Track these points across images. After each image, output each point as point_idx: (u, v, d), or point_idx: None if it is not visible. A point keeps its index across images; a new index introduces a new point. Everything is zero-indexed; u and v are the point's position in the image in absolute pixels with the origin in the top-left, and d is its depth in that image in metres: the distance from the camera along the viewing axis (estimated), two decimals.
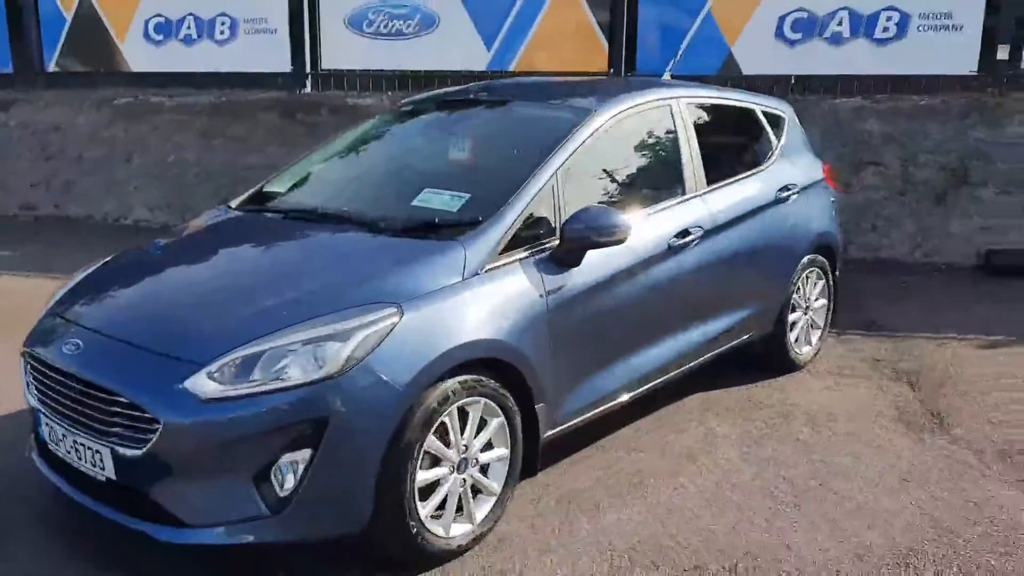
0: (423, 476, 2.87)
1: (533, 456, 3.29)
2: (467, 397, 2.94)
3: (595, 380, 3.52)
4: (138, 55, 9.02)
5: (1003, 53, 7.20)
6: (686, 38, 7.65)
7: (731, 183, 4.29)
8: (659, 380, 3.92)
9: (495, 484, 3.15)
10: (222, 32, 8.76)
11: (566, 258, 3.30)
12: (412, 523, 2.83)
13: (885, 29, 7.28)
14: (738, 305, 4.30)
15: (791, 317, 4.75)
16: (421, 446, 2.82)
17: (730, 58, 7.61)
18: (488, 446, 3.12)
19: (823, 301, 5.02)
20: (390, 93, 8.36)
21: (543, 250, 3.28)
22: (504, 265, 3.14)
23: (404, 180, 3.76)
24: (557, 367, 3.27)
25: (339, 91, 8.55)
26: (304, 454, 2.63)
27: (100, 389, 2.73)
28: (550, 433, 3.38)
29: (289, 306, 2.83)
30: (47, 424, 3.00)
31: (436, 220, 3.25)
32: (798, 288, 4.77)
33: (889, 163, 7.28)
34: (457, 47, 8.13)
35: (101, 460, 2.76)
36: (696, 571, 3.01)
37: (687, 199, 3.98)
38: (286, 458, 2.64)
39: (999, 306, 6.20)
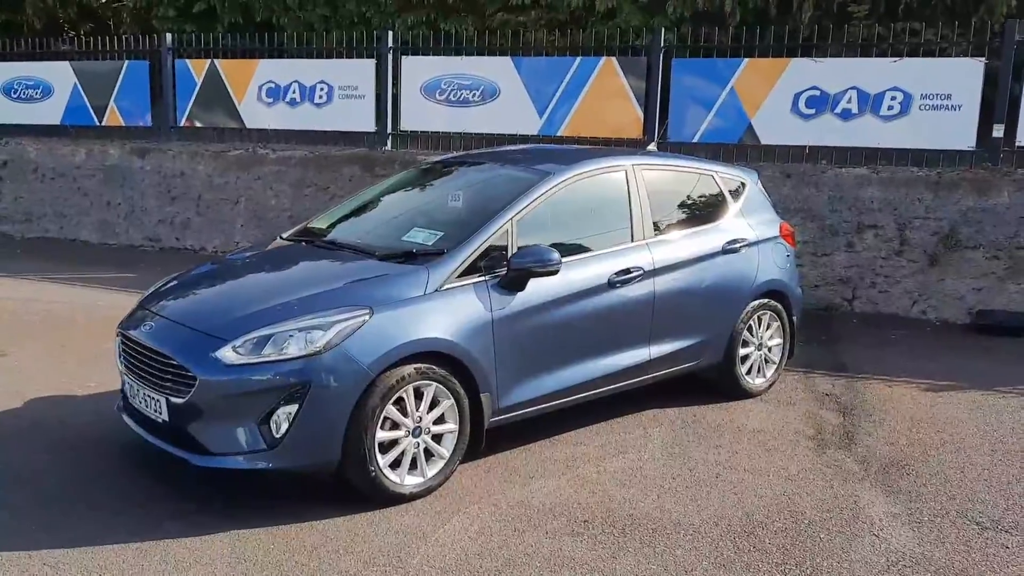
0: (383, 435, 3.97)
1: (479, 435, 4.33)
2: (420, 380, 4.05)
3: (535, 382, 4.55)
4: (252, 114, 10.63)
5: (999, 131, 7.88)
6: (711, 111, 8.64)
7: (679, 235, 5.27)
8: (599, 390, 4.92)
9: (445, 451, 4.22)
10: (320, 97, 10.28)
11: (512, 284, 4.38)
12: (371, 468, 3.93)
13: (890, 107, 8.09)
14: (681, 335, 5.25)
15: (742, 351, 5.65)
16: (381, 412, 3.93)
17: (750, 129, 8.55)
18: (441, 421, 4.19)
19: (778, 340, 5.89)
20: (455, 152, 9.63)
21: (495, 277, 4.36)
22: (460, 286, 4.25)
23: (403, 221, 4.92)
24: (500, 367, 4.34)
25: (413, 149, 9.90)
26: (293, 407, 3.78)
27: (160, 355, 3.99)
28: (496, 419, 4.43)
29: (297, 304, 4.02)
30: (128, 384, 4.27)
31: (414, 250, 4.41)
32: (749, 327, 5.67)
33: (887, 226, 8.02)
34: (514, 114, 9.36)
35: (159, 407, 3.99)
36: (585, 524, 3.98)
37: (632, 246, 5.00)
38: (282, 410, 3.80)
39: (971, 359, 6.88)
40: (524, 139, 9.33)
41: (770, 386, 5.92)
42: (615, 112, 9.05)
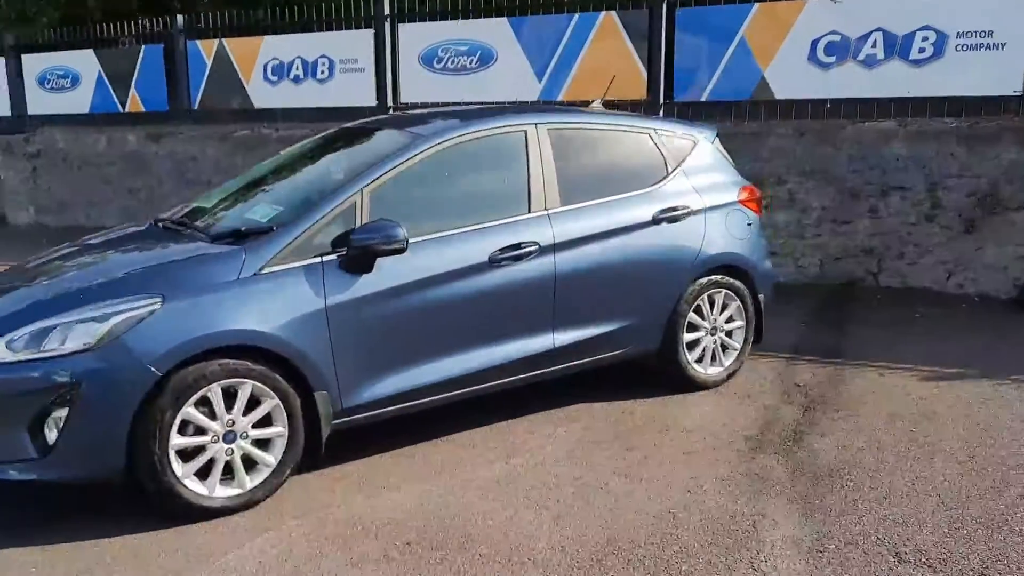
0: (182, 440, 3.47)
1: (317, 438, 3.77)
2: (229, 379, 3.51)
3: (394, 377, 3.95)
4: (259, 93, 10.32)
5: None
6: (720, 65, 7.72)
7: (594, 204, 4.53)
8: (486, 384, 4.27)
9: (271, 457, 3.68)
10: (322, 72, 9.86)
11: (355, 265, 3.78)
12: (167, 478, 3.43)
13: (921, 50, 6.99)
14: (597, 320, 4.53)
15: (688, 336, 4.88)
16: (175, 415, 3.41)
17: (762, 83, 7.58)
18: (267, 423, 3.65)
19: (739, 323, 5.07)
20: None
21: (335, 257, 3.77)
22: (285, 269, 3.69)
23: (263, 197, 4.38)
24: (341, 361, 3.76)
25: None
26: (64, 411, 3.32)
27: None
28: (342, 420, 3.86)
29: (90, 293, 3.55)
30: None
31: (243, 228, 3.86)
32: (698, 308, 4.88)
33: (915, 187, 6.94)
34: (512, 80, 8.67)
35: None
36: (407, 546, 3.37)
37: (527, 218, 4.31)
38: (53, 414, 3.34)
39: (1001, 341, 5.88)
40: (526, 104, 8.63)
41: (729, 376, 5.11)
42: (618, 71, 8.20)
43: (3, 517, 3.64)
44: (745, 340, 5.14)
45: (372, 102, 9.57)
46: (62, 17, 15.75)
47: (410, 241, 3.92)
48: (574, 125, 4.70)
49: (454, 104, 8.79)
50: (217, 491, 3.59)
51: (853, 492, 3.73)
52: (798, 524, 3.48)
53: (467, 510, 3.64)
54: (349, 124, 5.11)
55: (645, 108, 8.06)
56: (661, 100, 8.05)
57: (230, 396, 3.57)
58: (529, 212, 4.35)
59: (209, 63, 10.62)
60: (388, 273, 3.87)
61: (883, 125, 7.09)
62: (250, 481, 3.65)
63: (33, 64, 12.20)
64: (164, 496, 3.47)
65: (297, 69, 10.03)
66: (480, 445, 4.31)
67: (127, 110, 11.39)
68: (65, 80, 11.90)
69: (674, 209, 4.78)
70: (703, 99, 7.91)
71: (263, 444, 3.69)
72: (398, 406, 4.03)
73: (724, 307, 5.03)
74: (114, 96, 11.46)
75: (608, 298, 4.56)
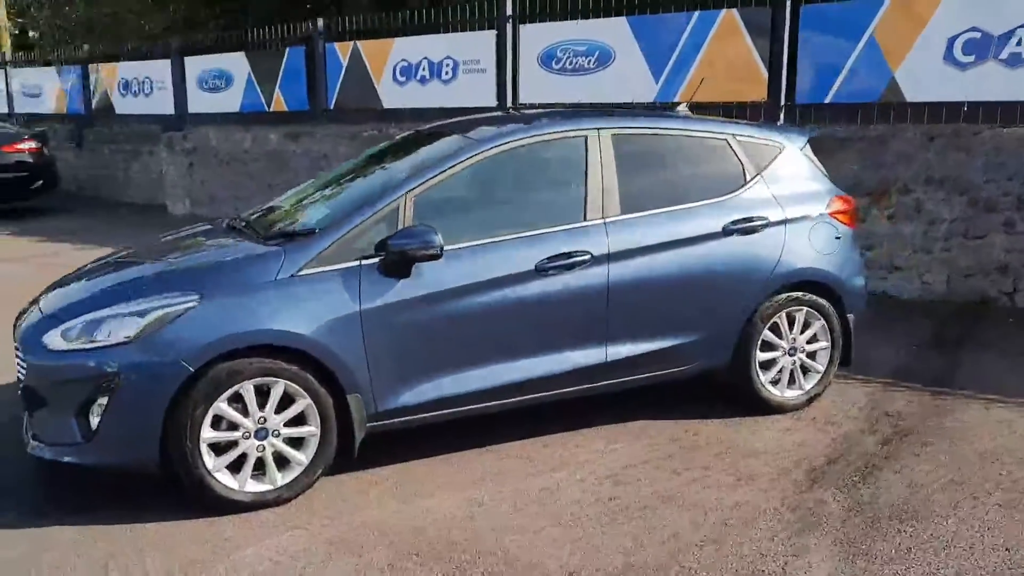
0: (214, 434, 3.58)
1: (350, 440, 3.80)
2: (262, 377, 3.59)
3: (431, 384, 3.92)
4: (388, 94, 10.59)
5: None
6: (846, 65, 7.24)
7: (659, 213, 4.33)
8: (531, 396, 4.17)
9: (302, 456, 3.74)
10: (447, 73, 9.99)
11: (392, 269, 3.78)
12: (198, 471, 3.55)
13: None
14: (657, 334, 4.34)
15: (762, 356, 4.59)
16: (207, 409, 3.52)
17: (892, 84, 7.04)
18: (300, 422, 3.71)
19: (822, 344, 4.73)
20: None
21: (375, 262, 3.79)
22: (323, 272, 3.73)
23: (325, 198, 4.44)
24: (375, 365, 3.77)
25: None
26: (105, 399, 3.49)
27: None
28: (377, 424, 3.88)
29: (140, 289, 3.73)
30: None
31: (293, 231, 3.94)
32: (775, 326, 4.59)
33: None
34: (629, 80, 8.48)
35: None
36: (415, 557, 3.34)
37: (581, 226, 4.17)
38: (97, 401, 3.52)
39: None
40: (641, 107, 8.41)
41: (810, 400, 4.77)
42: (737, 72, 7.88)
43: (54, 497, 3.87)
44: (830, 362, 4.77)
45: (493, 102, 9.60)
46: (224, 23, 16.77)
47: (454, 247, 3.90)
48: (641, 131, 4.51)
49: (572, 104, 8.73)
50: (248, 486, 3.68)
51: (910, 538, 3.39)
52: (834, 569, 3.19)
53: (493, 523, 3.57)
54: (424, 128, 5.11)
55: (765, 110, 7.69)
56: (782, 102, 7.64)
57: (263, 394, 3.65)
58: (584, 220, 4.21)
59: (344, 64, 10.99)
60: (427, 279, 3.84)
61: (1021, 130, 6.42)
62: (281, 478, 3.72)
63: (194, 66, 13.02)
64: (195, 487, 3.59)
65: (424, 70, 10.22)
66: (527, 457, 4.22)
67: (271, 110, 11.98)
68: (220, 81, 12.65)
69: (749, 220, 4.50)
70: (827, 101, 7.44)
71: (296, 443, 3.75)
72: (436, 412, 3.99)
73: (806, 326, 4.69)
74: (261, 96, 12.07)
75: (669, 312, 4.34)
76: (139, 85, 14.07)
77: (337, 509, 3.72)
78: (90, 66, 15.08)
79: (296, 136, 11.38)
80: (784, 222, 4.58)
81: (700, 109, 8.01)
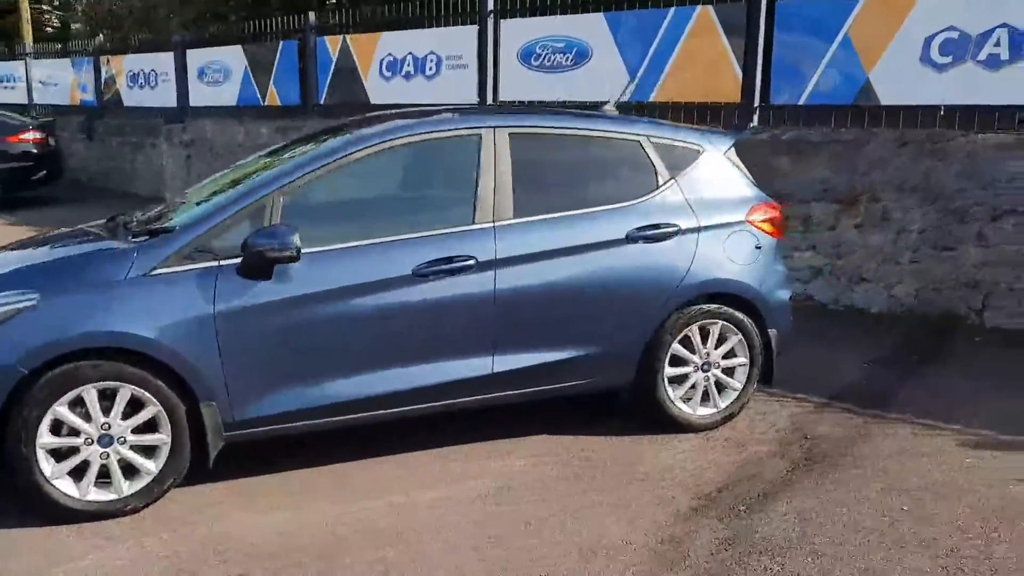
0: (53, 440, 3.44)
1: (203, 448, 3.63)
2: (105, 381, 3.44)
3: (296, 392, 3.74)
4: (375, 89, 10.44)
5: None
6: (820, 65, 6.89)
7: (556, 218, 4.09)
8: (409, 407, 3.97)
9: (152, 465, 3.58)
10: (430, 68, 9.81)
11: (251, 271, 3.60)
12: (34, 477, 3.40)
13: None
14: (550, 345, 4.11)
15: (671, 370, 4.33)
16: (43, 413, 3.38)
17: (867, 86, 6.67)
18: (151, 429, 3.55)
19: (740, 360, 4.44)
20: None
21: (235, 262, 3.60)
22: (176, 272, 3.56)
23: (204, 197, 4.26)
24: (232, 372, 3.60)
25: None
26: None
27: None
28: (236, 433, 3.70)
29: None
30: None
31: (157, 228, 3.77)
32: (686, 340, 4.32)
33: None
34: (605, 79, 8.20)
35: None
36: (261, 571, 3.16)
37: (469, 230, 3.95)
38: None
39: None
40: (618, 107, 8.14)
41: (725, 419, 4.49)
42: (711, 72, 7.57)
43: None
44: (748, 380, 4.49)
45: (473, 99, 9.39)
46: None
47: (323, 249, 3.72)
48: (543, 130, 4.27)
49: (549, 102, 8.50)
50: (91, 494, 3.53)
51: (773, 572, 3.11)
52: None
53: (332, 542, 3.38)
54: (331, 125, 4.92)
55: (738, 112, 7.37)
56: (756, 103, 7.31)
57: (111, 399, 3.49)
58: (473, 223, 3.98)
59: (334, 59, 10.89)
60: (291, 282, 3.65)
61: (1002, 138, 6.03)
62: (128, 487, 3.57)
63: (195, 59, 13.02)
64: (32, 494, 3.46)
65: (408, 65, 10.06)
66: (403, 471, 4.03)
67: (266, 103, 11.92)
68: (219, 74, 12.63)
69: (656, 227, 4.23)
70: (800, 103, 7.10)
71: (147, 451, 3.58)
72: (302, 423, 3.81)
73: (722, 341, 4.41)
74: (256, 90, 12.01)
75: (562, 323, 4.10)
76: (145, 77, 14.14)
77: (182, 520, 3.57)
78: (101, 58, 15.20)
79: (285, 131, 11.27)
80: (697, 229, 4.31)
81: (673, 110, 7.81)
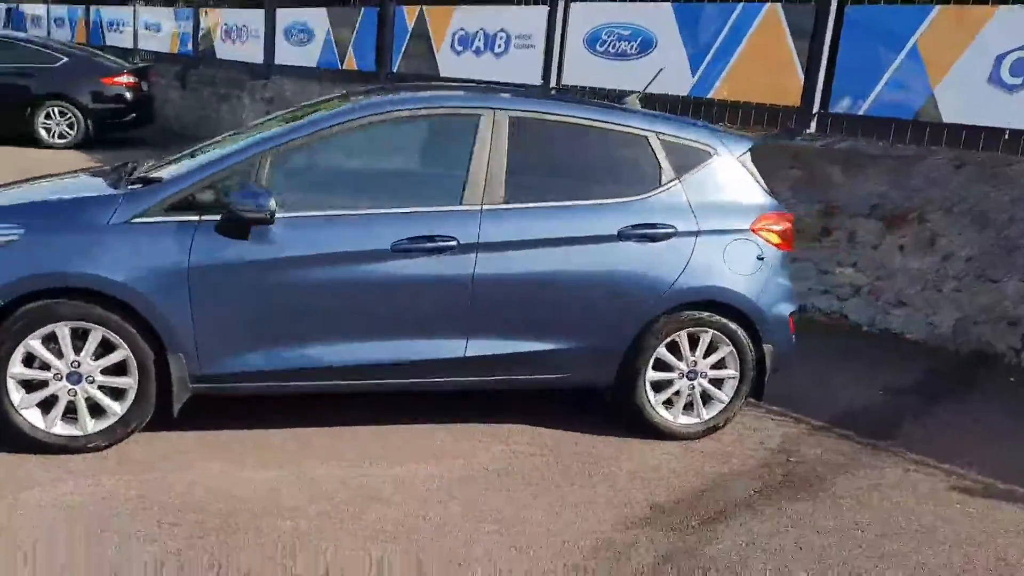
0: (23, 371, 3.60)
1: (168, 399, 3.71)
2: (78, 321, 3.57)
3: (266, 353, 3.80)
4: (446, 63, 10.45)
5: None
6: (884, 76, 6.58)
7: (542, 206, 4.03)
8: (379, 381, 4.00)
9: (117, 406, 3.70)
10: (499, 46, 9.76)
11: (229, 229, 3.66)
12: (5, 406, 3.57)
13: None
14: (526, 335, 4.06)
15: (655, 375, 4.23)
16: (15, 345, 3.54)
17: (930, 100, 6.34)
18: (121, 372, 3.66)
19: (731, 372, 4.30)
20: None
21: (215, 219, 3.67)
22: (157, 222, 3.65)
23: (205, 152, 4.30)
24: (202, 325, 3.67)
25: None
26: None
27: None
28: (203, 387, 3.79)
29: None
30: None
31: (147, 177, 3.86)
32: (673, 345, 4.21)
33: None
34: (668, 71, 7.99)
35: None
36: (175, 527, 3.23)
37: (455, 210, 3.92)
38: None
39: None
40: (675, 101, 7.97)
41: (708, 431, 4.37)
42: (772, 73, 7.30)
43: None
44: (736, 394, 4.34)
45: (538, 81, 9.31)
46: None
47: (305, 215, 3.76)
48: (547, 117, 4.19)
49: (609, 91, 8.37)
50: (56, 428, 3.67)
51: None
52: None
53: (282, 505, 3.42)
54: (354, 91, 4.93)
55: (796, 117, 7.11)
56: (815, 109, 7.02)
57: (83, 338, 3.60)
58: (461, 204, 3.95)
59: (410, 29, 10.93)
60: (268, 244, 3.70)
61: None
62: (92, 426, 3.70)
63: (283, 18, 13.26)
64: (0, 421, 3.59)
65: (479, 41, 10.02)
66: (363, 445, 4.04)
67: (343, 67, 12.06)
68: (303, 35, 12.83)
69: (651, 227, 4.12)
70: (860, 113, 6.80)
71: (114, 393, 3.70)
72: (270, 384, 3.88)
73: (712, 350, 4.28)
74: (336, 54, 12.17)
75: (543, 314, 4.04)
76: (237, 32, 14.48)
77: (141, 466, 3.68)
78: (201, 10, 15.62)
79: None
80: (696, 233, 4.18)
81: (731, 109, 7.58)
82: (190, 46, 16.04)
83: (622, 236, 4.09)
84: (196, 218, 3.67)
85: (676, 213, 4.18)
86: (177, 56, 16.57)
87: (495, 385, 4.16)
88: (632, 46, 8.38)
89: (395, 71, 11.21)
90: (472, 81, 9.75)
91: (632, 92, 8.12)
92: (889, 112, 6.64)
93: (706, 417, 4.34)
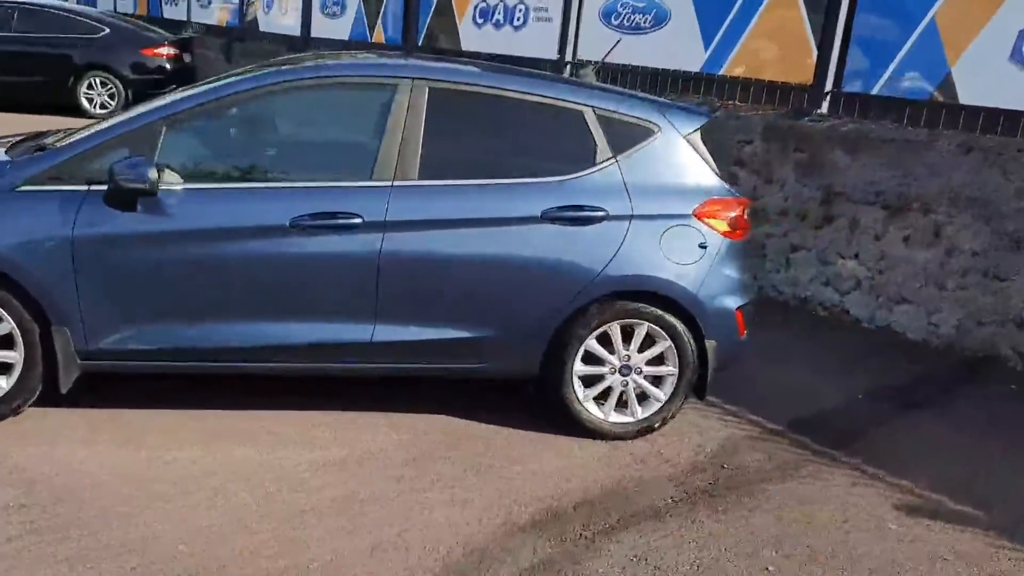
0: None
1: (54, 373, 3.58)
2: None
3: (159, 331, 3.65)
4: (468, 35, 10.16)
5: None
6: (899, 52, 6.06)
7: (460, 184, 3.77)
8: (280, 363, 3.83)
9: (3, 381, 3.58)
10: (519, 19, 9.43)
11: (113, 199, 3.49)
12: None
13: None
14: (439, 321, 3.80)
15: (584, 368, 3.94)
16: None
17: (947, 80, 5.81)
18: (6, 345, 3.55)
19: (669, 369, 3.98)
20: (622, 87, 8.18)
21: (101, 189, 3.50)
22: (41, 191, 3.51)
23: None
24: (88, 299, 3.53)
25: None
26: None
27: None
28: (92, 363, 3.66)
29: None
30: None
31: (41, 145, 3.72)
32: (604, 337, 3.91)
33: None
34: (680, 46, 7.59)
35: None
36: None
37: (359, 185, 3.70)
38: None
39: None
40: (687, 78, 7.57)
41: (641, 431, 4.06)
42: (785, 49, 6.83)
43: None
44: (675, 392, 4.01)
45: (554, 55, 8.96)
46: None
47: (198, 187, 3.58)
48: (471, 88, 3.90)
49: (621, 66, 8.02)
50: None
51: None
52: None
53: (144, 488, 3.27)
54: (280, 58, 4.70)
55: (808, 96, 6.64)
56: (828, 87, 6.54)
57: None
58: (371, 180, 3.70)
59: (435, 1, 10.66)
60: (157, 217, 3.54)
61: None
62: None
63: None
64: None
65: (499, 13, 9.71)
66: (243, 426, 3.85)
67: (372, 40, 11.87)
68: (337, 7, 12.70)
69: (578, 208, 3.81)
70: (874, 93, 6.29)
71: (2, 368, 3.58)
72: (161, 362, 3.72)
73: (650, 345, 3.96)
74: (366, 26, 12.00)
75: (457, 299, 3.79)
76: (278, 4, 14.43)
77: (35, 441, 3.54)
78: None
79: None
80: (629, 218, 3.85)
81: (742, 87, 7.13)
82: (236, 18, 16.09)
83: (545, 218, 3.79)
84: (84, 188, 3.52)
85: (609, 195, 3.86)
86: (224, 29, 16.66)
87: (409, 373, 3.94)
88: (646, 19, 7.97)
89: (420, 44, 10.99)
90: (489, 56, 9.47)
91: (644, 68, 7.83)
92: (904, 92, 6.13)
93: (640, 416, 4.03)
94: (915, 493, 3.77)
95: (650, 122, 3.99)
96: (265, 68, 4.02)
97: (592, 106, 3.95)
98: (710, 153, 4.23)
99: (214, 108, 3.68)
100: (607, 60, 5.41)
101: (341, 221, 3.62)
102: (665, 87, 7.86)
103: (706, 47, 7.45)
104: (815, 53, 6.63)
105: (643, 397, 4.03)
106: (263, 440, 3.73)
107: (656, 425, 4.06)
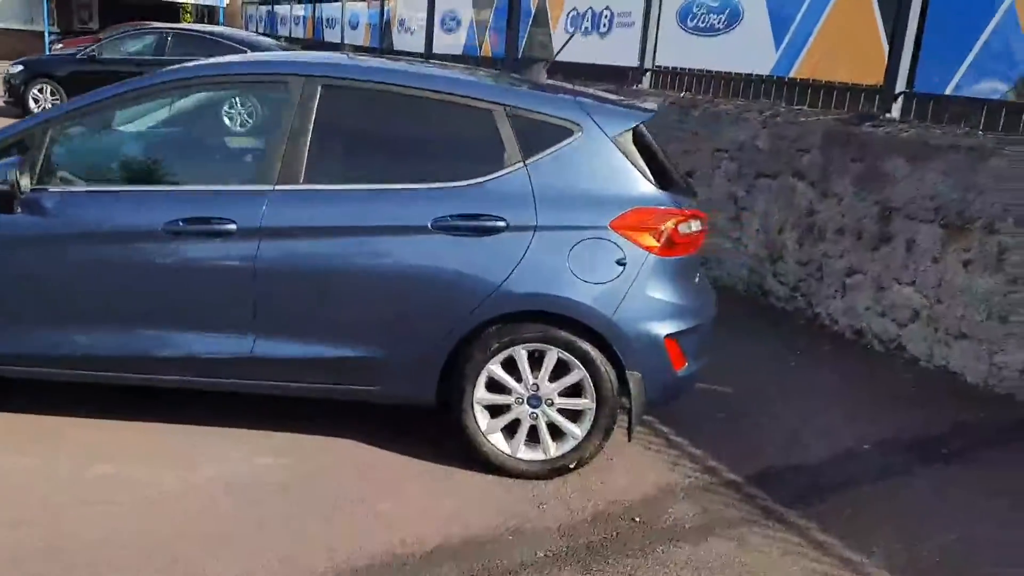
0: None
1: None
2: None
3: (30, 336, 3.59)
4: (559, 44, 9.82)
5: None
6: (974, 47, 5.18)
7: (344, 189, 3.48)
8: (146, 376, 3.67)
9: None
10: (604, 25, 8.99)
11: None
12: None
13: None
14: (317, 338, 3.51)
15: (489, 396, 3.53)
16: None
17: None
18: None
19: (584, 402, 3.50)
20: (687, 95, 7.59)
21: None
22: None
23: None
24: None
25: (668, 91, 8.03)
26: None
27: None
28: None
29: None
30: None
31: None
32: (509, 362, 3.49)
33: None
34: (751, 47, 6.92)
35: None
36: None
37: (235, 189, 3.52)
38: None
39: None
40: (759, 81, 6.91)
41: (554, 471, 3.58)
42: (856, 47, 6.02)
43: None
44: (593, 428, 3.51)
45: (635, 62, 8.46)
46: None
47: (73, 190, 3.52)
48: (369, 85, 3.59)
49: (697, 71, 7.48)
50: None
51: None
52: None
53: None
54: None
55: (879, 97, 5.83)
56: (898, 88, 5.70)
57: None
58: (252, 184, 3.49)
59: (533, 11, 10.41)
60: (31, 219, 3.49)
61: None
62: None
63: (440, 7, 13.24)
64: None
65: (587, 21, 9.31)
66: (106, 439, 3.67)
67: (480, 54, 11.79)
68: (454, 23, 12.74)
69: (473, 218, 3.40)
70: (946, 93, 5.41)
71: None
72: (30, 369, 3.66)
73: (562, 373, 3.48)
74: (476, 41, 11.93)
75: (338, 314, 3.49)
76: (409, 23, 14.68)
77: None
78: (387, 3, 16.05)
79: None
80: (533, 228, 3.40)
81: (812, 89, 6.37)
82: (377, 39, 16.55)
83: (436, 227, 3.41)
84: None
85: (513, 203, 3.43)
86: (368, 49, 17.17)
87: (295, 393, 3.65)
88: (720, 19, 7.34)
89: (520, 57, 10.74)
90: (576, 65, 9.08)
91: (716, 72, 7.22)
92: (980, 92, 5.22)
93: (553, 454, 3.54)
94: (860, 573, 3.06)
95: (570, 122, 3.52)
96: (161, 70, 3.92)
97: (504, 105, 3.53)
98: (664, 155, 3.71)
99: (98, 111, 3.60)
100: (558, 57, 5.02)
101: (215, 227, 3.42)
102: (738, 92, 7.22)
103: (776, 47, 6.75)
104: (886, 50, 5.81)
105: (559, 433, 3.55)
106: (106, 453, 3.57)
107: (571, 465, 3.57)
